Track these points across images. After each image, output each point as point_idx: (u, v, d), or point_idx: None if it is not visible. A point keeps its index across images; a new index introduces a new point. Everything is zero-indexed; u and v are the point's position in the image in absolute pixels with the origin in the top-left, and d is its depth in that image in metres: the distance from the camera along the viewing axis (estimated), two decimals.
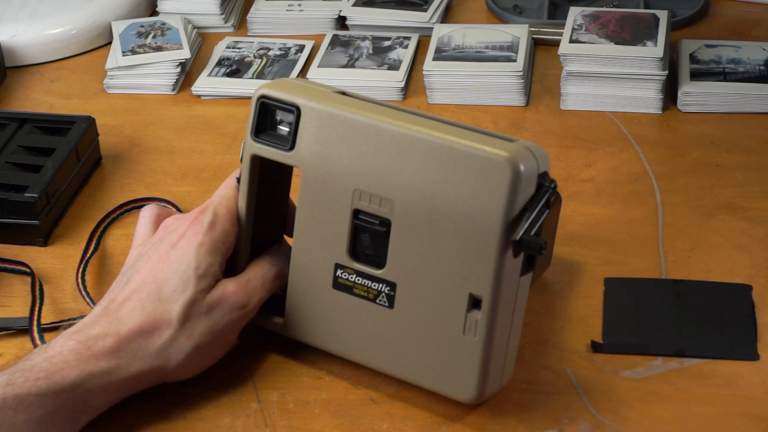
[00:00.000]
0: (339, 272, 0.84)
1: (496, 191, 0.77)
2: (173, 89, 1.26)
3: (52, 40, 1.33)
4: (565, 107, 1.19)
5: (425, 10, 1.33)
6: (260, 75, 1.25)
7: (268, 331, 0.89)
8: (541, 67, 1.26)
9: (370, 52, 1.27)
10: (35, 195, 1.02)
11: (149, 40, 1.30)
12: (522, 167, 0.76)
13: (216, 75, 1.26)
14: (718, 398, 0.83)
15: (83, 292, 0.95)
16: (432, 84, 1.21)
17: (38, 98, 1.27)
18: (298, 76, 1.25)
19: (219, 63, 1.28)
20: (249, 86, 1.23)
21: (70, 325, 0.83)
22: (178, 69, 1.26)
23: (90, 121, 1.12)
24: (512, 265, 0.79)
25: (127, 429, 0.83)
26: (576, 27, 1.21)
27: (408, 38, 1.29)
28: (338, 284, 0.84)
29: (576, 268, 0.96)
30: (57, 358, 0.79)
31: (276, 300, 0.88)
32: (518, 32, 1.26)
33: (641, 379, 0.85)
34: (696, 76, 1.18)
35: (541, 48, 1.29)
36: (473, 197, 0.78)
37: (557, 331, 0.90)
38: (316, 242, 0.85)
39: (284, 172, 0.89)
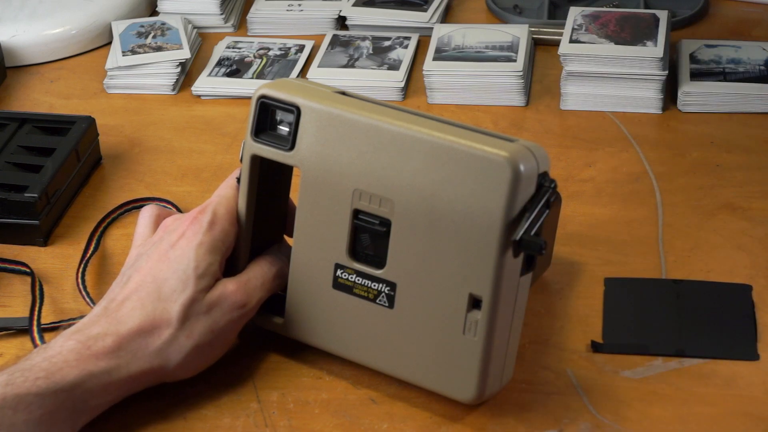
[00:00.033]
0: (339, 272, 0.84)
1: (496, 191, 0.77)
2: (173, 89, 1.26)
3: (52, 40, 1.33)
4: (565, 107, 1.19)
5: (425, 10, 1.33)
6: (260, 75, 1.25)
7: (268, 331, 0.89)
8: (541, 67, 1.26)
9: (370, 52, 1.27)
10: (35, 195, 1.02)
11: (149, 40, 1.30)
12: (522, 167, 0.76)
13: (216, 75, 1.26)
14: (718, 398, 0.83)
15: (83, 292, 0.95)
16: (432, 84, 1.21)
17: (38, 98, 1.27)
18: (298, 76, 1.25)
19: (219, 63, 1.28)
20: (249, 86, 1.23)
21: (69, 325, 0.83)
22: (178, 69, 1.26)
23: (90, 121, 1.12)
24: (512, 265, 0.79)
25: (126, 429, 0.83)
26: (576, 27, 1.21)
27: (408, 38, 1.29)
28: (338, 284, 0.84)
29: (576, 268, 0.96)
30: (56, 358, 0.79)
31: (276, 300, 0.88)
32: (518, 32, 1.26)
33: (641, 379, 0.85)
34: (696, 76, 1.18)
35: (541, 48, 1.29)
36: (473, 197, 0.78)
37: (557, 331, 0.90)
38: (316, 242, 0.85)
39: (284, 172, 0.89)
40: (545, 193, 0.78)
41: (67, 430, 0.79)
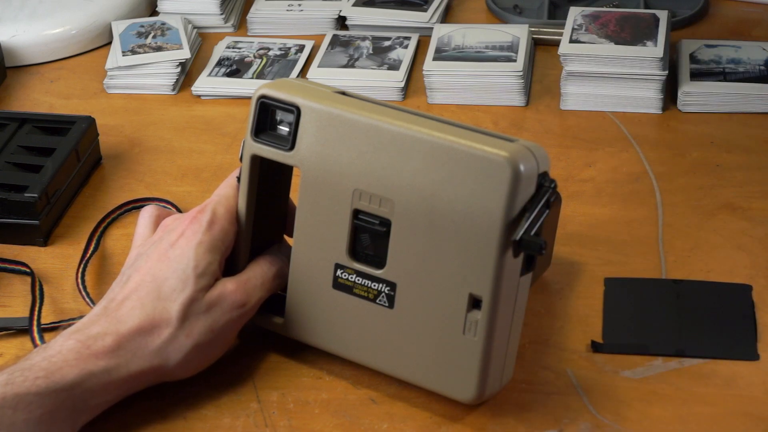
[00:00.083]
0: (339, 272, 0.84)
1: (496, 191, 0.77)
2: (173, 89, 1.26)
3: (52, 40, 1.33)
4: (565, 107, 1.19)
5: (425, 10, 1.33)
6: (260, 75, 1.25)
7: (268, 331, 0.89)
8: (541, 67, 1.26)
9: (370, 52, 1.27)
10: (35, 195, 1.02)
11: (149, 40, 1.30)
12: (522, 167, 0.76)
13: (216, 75, 1.26)
14: (718, 398, 0.83)
15: (83, 292, 0.95)
16: (432, 84, 1.21)
17: (38, 98, 1.27)
18: (298, 76, 1.25)
19: (219, 63, 1.28)
20: (249, 86, 1.23)
21: (69, 325, 0.83)
22: (178, 69, 1.26)
23: (90, 121, 1.12)
24: (512, 265, 0.79)
25: (126, 428, 0.83)
26: (576, 27, 1.21)
27: (408, 38, 1.29)
28: (338, 284, 0.84)
29: (576, 268, 0.96)
30: (56, 357, 0.79)
31: (276, 300, 0.88)
32: (518, 32, 1.26)
33: (641, 379, 0.85)
34: (696, 76, 1.18)
35: (541, 48, 1.29)
36: (473, 197, 0.78)
37: (557, 331, 0.90)
38: (316, 242, 0.85)
39: (284, 172, 0.89)
40: (545, 193, 0.78)
41: (67, 429, 0.79)
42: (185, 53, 1.27)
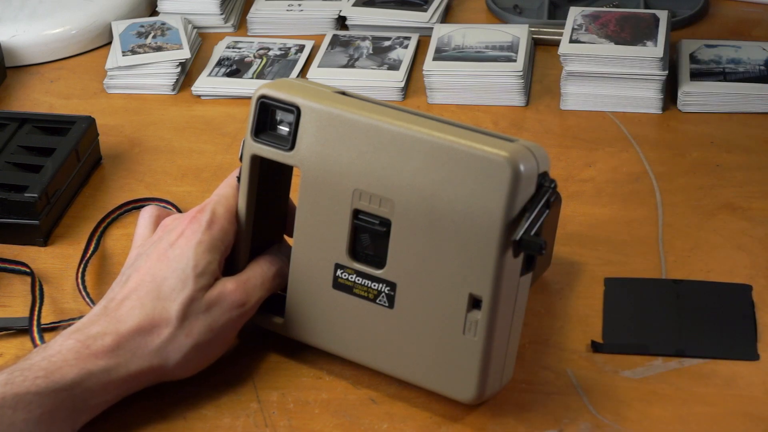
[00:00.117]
0: (339, 272, 0.84)
1: (496, 191, 0.77)
2: (173, 89, 1.26)
3: (52, 40, 1.33)
4: (565, 107, 1.19)
5: (425, 10, 1.33)
6: (260, 75, 1.25)
7: (268, 331, 0.89)
8: (541, 67, 1.26)
9: (370, 52, 1.27)
10: (35, 195, 1.02)
11: (149, 40, 1.30)
12: (522, 167, 0.76)
13: (216, 75, 1.26)
14: (718, 398, 0.83)
15: (83, 292, 0.95)
16: (432, 84, 1.21)
17: (38, 98, 1.27)
18: (298, 76, 1.25)
19: (219, 63, 1.28)
20: (249, 86, 1.23)
21: (69, 325, 0.83)
22: (178, 69, 1.26)
23: (90, 121, 1.12)
24: (512, 265, 0.79)
25: (126, 428, 0.83)
26: (576, 27, 1.21)
27: (408, 38, 1.29)
28: (338, 284, 0.84)
29: (576, 268, 0.96)
30: (56, 357, 0.79)
31: (276, 300, 0.88)
32: (518, 32, 1.26)
33: (641, 379, 0.85)
34: (696, 76, 1.18)
35: (541, 48, 1.29)
36: (473, 197, 0.78)
37: (557, 331, 0.90)
38: (316, 242, 0.85)
39: (284, 172, 0.89)
40: (545, 193, 0.78)
41: (66, 429, 0.79)
42: (185, 53, 1.27)
